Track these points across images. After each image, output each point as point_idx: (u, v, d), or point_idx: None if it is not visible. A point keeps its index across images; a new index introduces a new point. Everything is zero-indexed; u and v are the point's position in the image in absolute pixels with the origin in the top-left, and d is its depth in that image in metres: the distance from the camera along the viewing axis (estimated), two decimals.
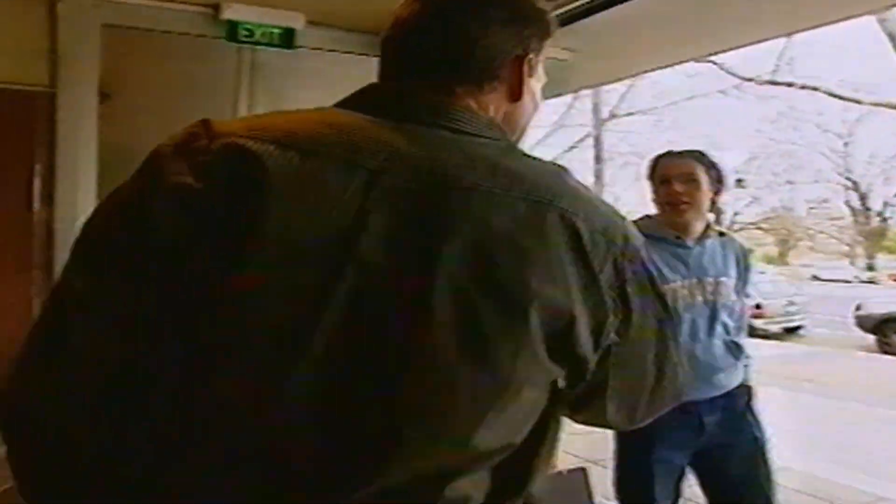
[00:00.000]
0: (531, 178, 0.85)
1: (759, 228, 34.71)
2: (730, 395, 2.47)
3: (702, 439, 2.44)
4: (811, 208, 37.39)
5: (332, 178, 0.80)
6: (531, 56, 0.97)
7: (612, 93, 19.63)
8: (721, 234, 2.55)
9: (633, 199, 26.56)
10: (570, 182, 0.89)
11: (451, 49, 0.94)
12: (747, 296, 2.57)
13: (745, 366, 2.54)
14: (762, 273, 15.31)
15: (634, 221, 2.48)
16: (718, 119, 30.92)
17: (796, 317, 14.52)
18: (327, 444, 0.76)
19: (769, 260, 35.97)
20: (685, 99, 21.28)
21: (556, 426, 0.90)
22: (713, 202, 2.47)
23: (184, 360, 0.78)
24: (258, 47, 4.20)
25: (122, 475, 0.76)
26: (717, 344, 2.42)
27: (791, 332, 14.39)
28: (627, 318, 0.87)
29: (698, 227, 2.46)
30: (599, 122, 18.33)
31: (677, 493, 2.51)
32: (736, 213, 27.97)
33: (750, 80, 18.38)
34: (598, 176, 17.11)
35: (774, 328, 13.44)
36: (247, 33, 3.77)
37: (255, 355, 0.78)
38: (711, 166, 2.45)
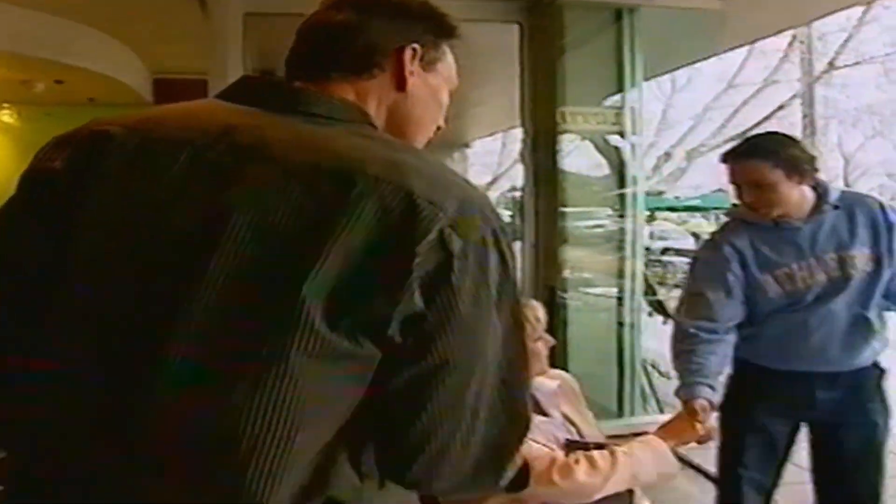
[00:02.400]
0: (348, 152, 0.85)
1: None
2: (856, 373, 2.26)
3: (813, 414, 2.30)
4: None
5: (163, 153, 0.87)
6: (417, 48, 1.00)
7: (831, 40, 17.80)
8: (837, 206, 2.24)
9: (869, 159, 24.15)
10: (402, 159, 0.86)
11: (331, 40, 0.99)
12: None
13: (881, 343, 2.30)
14: None
15: (735, 207, 2.38)
16: None
17: None
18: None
19: None
20: None
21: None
22: (810, 185, 2.21)
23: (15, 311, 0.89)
24: None
25: None
26: (841, 319, 2.21)
27: None
28: (450, 295, 0.82)
29: (799, 211, 2.22)
30: (810, 76, 16.70)
31: (783, 461, 2.38)
32: None
33: None
34: (812, 134, 15.58)
35: None
36: None
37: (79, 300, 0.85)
38: (786, 157, 2.16)
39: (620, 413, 4.49)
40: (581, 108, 4.58)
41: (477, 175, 21.85)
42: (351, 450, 0.84)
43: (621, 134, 4.63)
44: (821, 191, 2.24)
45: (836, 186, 2.31)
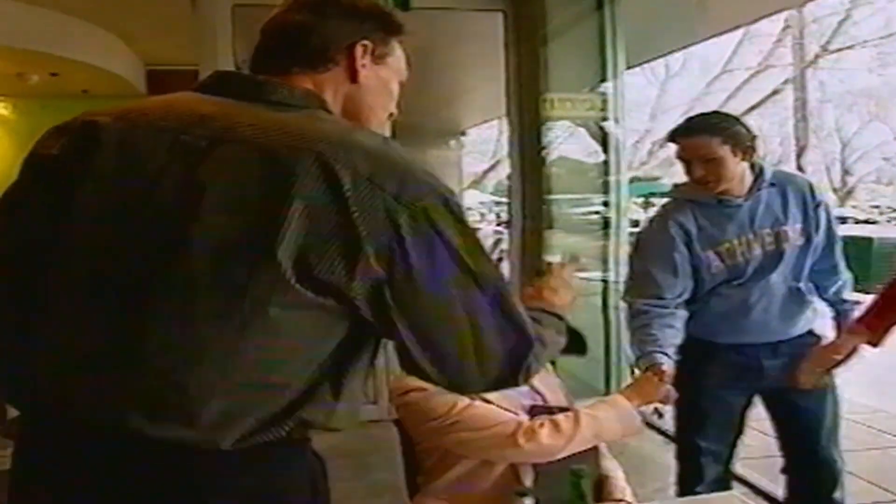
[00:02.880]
0: (301, 132, 0.98)
1: None
2: (795, 341, 2.40)
3: (763, 382, 2.42)
4: None
5: (146, 139, 1.01)
6: (367, 44, 1.13)
7: (824, 25, 17.84)
8: (773, 183, 2.37)
9: (866, 142, 24.15)
10: (350, 137, 0.99)
11: (291, 38, 1.13)
12: (829, 224, 2.42)
13: (814, 313, 2.45)
14: None
15: (677, 186, 2.53)
16: None
17: None
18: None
19: None
20: None
21: (363, 354, 1.03)
22: (750, 162, 2.33)
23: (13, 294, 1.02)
24: None
25: None
26: (778, 290, 2.36)
27: None
28: (408, 258, 0.94)
29: (741, 188, 2.35)
30: (802, 61, 16.75)
31: (739, 429, 2.52)
32: None
33: None
34: (804, 118, 15.65)
35: None
36: None
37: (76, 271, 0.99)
38: (731, 134, 2.27)
39: (608, 390, 4.62)
40: (564, 95, 4.69)
41: (474, 163, 21.92)
42: (332, 379, 0.99)
43: (604, 120, 4.74)
44: (757, 170, 2.36)
45: (769, 166, 2.41)
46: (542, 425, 1.72)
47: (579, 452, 1.77)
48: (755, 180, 2.36)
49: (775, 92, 18.54)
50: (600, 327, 4.73)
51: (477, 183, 22.23)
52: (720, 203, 2.35)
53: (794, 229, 2.36)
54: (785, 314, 2.39)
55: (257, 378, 0.94)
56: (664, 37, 5.58)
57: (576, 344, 1.33)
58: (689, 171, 2.33)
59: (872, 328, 2.10)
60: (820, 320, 2.48)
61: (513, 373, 1.03)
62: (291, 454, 1.01)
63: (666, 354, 2.19)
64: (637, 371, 2.30)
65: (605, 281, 4.79)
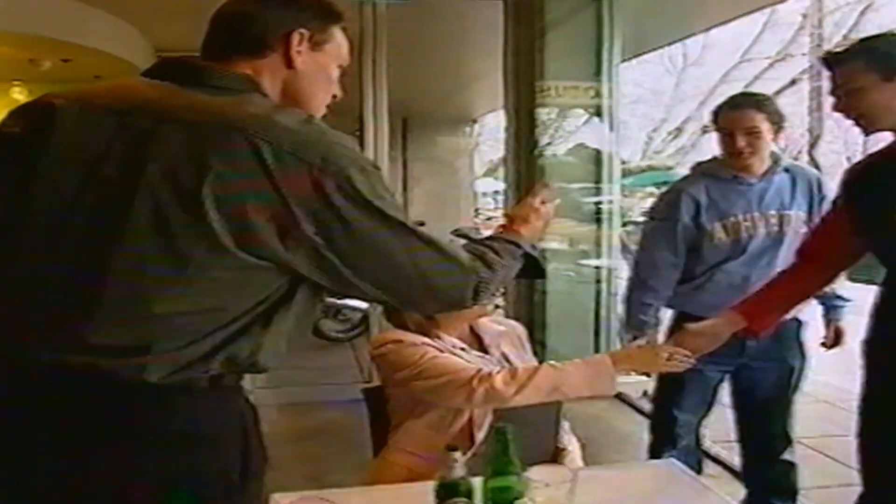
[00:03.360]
0: (233, 113, 1.09)
1: None
2: (780, 324, 2.46)
3: (741, 359, 2.57)
4: None
5: (96, 119, 1.13)
6: (304, 31, 1.22)
7: (846, 13, 17.60)
8: (786, 169, 2.56)
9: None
10: (274, 117, 1.11)
11: (233, 27, 1.23)
12: None
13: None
14: None
15: (700, 163, 2.74)
16: None
17: None
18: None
19: None
20: None
21: (298, 297, 1.14)
22: (777, 142, 2.53)
23: None
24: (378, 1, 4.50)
25: None
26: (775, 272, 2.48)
27: None
28: (344, 222, 1.08)
29: (761, 167, 2.54)
30: (821, 51, 16.57)
31: (711, 403, 2.71)
32: None
33: None
34: (819, 108, 15.51)
35: None
36: None
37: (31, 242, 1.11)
38: (772, 111, 2.48)
39: None
40: (561, 83, 4.76)
41: (490, 151, 21.88)
42: (264, 316, 1.11)
43: (599, 109, 4.81)
44: (775, 157, 2.54)
45: (783, 155, 2.60)
46: (499, 372, 1.82)
47: (540, 414, 1.87)
48: (771, 164, 2.54)
49: (793, 81, 18.35)
50: (591, 307, 4.82)
51: (492, 171, 22.22)
52: (735, 179, 2.54)
53: (797, 215, 2.54)
54: None
55: (199, 322, 1.07)
56: (660, 28, 5.62)
57: (534, 269, 1.44)
58: (729, 143, 2.50)
59: (748, 316, 2.09)
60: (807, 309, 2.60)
61: (461, 298, 1.24)
62: (222, 400, 1.13)
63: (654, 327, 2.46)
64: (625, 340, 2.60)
65: (597, 267, 4.88)
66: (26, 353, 1.08)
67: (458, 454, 1.45)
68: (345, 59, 1.32)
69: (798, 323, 2.60)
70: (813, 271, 2.12)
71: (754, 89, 18.80)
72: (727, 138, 2.49)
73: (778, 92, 18.22)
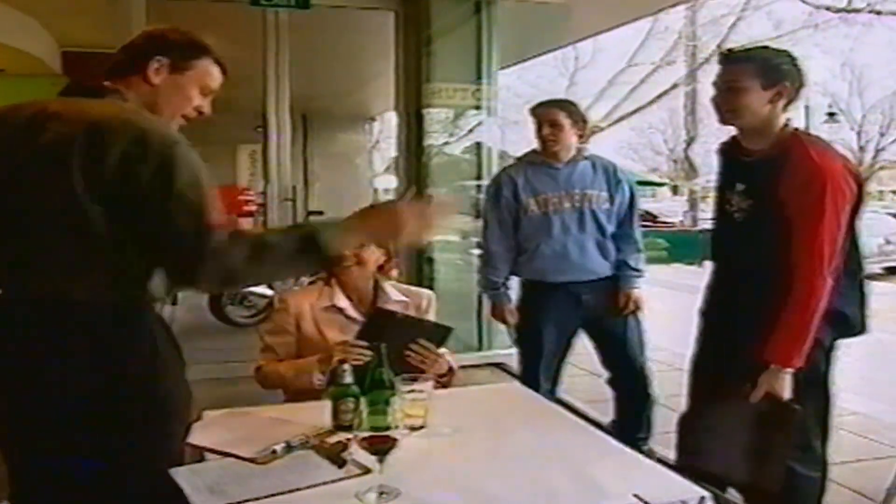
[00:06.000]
0: (89, 111, 1.51)
1: None
2: (601, 283, 3.28)
3: (582, 313, 3.29)
4: None
5: (11, 126, 1.56)
6: (163, 59, 1.62)
7: (719, 25, 18.93)
8: (586, 157, 3.28)
9: None
10: (117, 114, 1.51)
11: (120, 56, 1.66)
12: (632, 201, 3.33)
13: (619, 261, 3.31)
14: None
15: (523, 154, 3.48)
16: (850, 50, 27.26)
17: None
18: None
19: None
20: (805, 27, 18.06)
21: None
22: (580, 137, 3.27)
23: None
24: (279, 9, 4.91)
25: None
26: (588, 239, 3.25)
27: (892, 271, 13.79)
28: (140, 191, 1.45)
29: (566, 155, 3.26)
30: (694, 59, 17.88)
31: (565, 353, 3.39)
32: (880, 150, 25.54)
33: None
34: (692, 112, 16.73)
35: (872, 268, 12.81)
36: None
37: None
38: (572, 111, 3.23)
39: (480, 347, 5.36)
40: (450, 85, 5.33)
41: (390, 149, 22.25)
42: (137, 268, 1.51)
43: (488, 110, 5.39)
44: (579, 149, 3.27)
45: (585, 147, 3.31)
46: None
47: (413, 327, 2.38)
48: (576, 154, 3.24)
49: (675, 86, 19.61)
50: (473, 293, 5.38)
51: (390, 169, 22.62)
52: (545, 164, 3.24)
53: (598, 195, 3.23)
54: (594, 260, 3.25)
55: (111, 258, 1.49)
56: (533, 40, 6.27)
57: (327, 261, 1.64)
58: (538, 132, 3.21)
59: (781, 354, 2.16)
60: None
61: (200, 258, 1.47)
62: (130, 316, 1.52)
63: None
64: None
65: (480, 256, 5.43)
66: None
67: (346, 365, 1.96)
68: (208, 83, 1.69)
69: (614, 281, 3.29)
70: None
71: (639, 92, 20.19)
72: (538, 129, 3.21)
73: (661, 95, 19.47)
